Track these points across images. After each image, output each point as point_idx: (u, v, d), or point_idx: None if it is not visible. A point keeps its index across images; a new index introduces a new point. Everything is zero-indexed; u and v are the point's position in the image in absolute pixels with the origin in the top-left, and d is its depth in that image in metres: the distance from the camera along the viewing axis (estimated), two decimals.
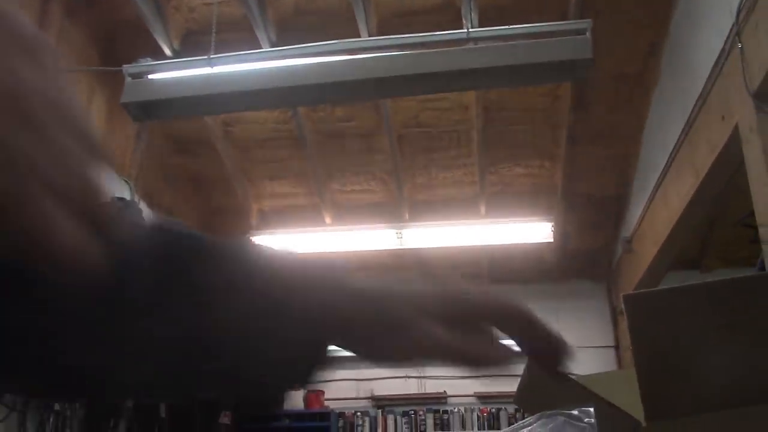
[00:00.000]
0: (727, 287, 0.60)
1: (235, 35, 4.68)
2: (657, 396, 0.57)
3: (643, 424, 0.60)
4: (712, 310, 0.55)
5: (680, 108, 4.20)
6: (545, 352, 0.47)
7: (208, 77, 3.75)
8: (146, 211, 5.53)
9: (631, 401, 0.64)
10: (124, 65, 3.78)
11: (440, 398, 7.51)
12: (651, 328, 0.55)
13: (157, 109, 3.81)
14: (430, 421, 7.47)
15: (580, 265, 7.23)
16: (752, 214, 3.21)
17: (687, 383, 0.56)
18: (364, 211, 6.58)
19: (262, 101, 3.91)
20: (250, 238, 0.45)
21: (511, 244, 6.43)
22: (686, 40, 4.15)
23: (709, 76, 3.62)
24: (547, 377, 0.49)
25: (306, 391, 7.28)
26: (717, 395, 0.57)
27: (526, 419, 0.85)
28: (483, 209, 6.41)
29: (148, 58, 3.92)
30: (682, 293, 0.55)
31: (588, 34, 3.48)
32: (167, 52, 4.85)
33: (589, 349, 7.02)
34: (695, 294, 0.55)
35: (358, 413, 7.54)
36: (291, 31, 4.70)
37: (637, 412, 0.61)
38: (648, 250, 5.39)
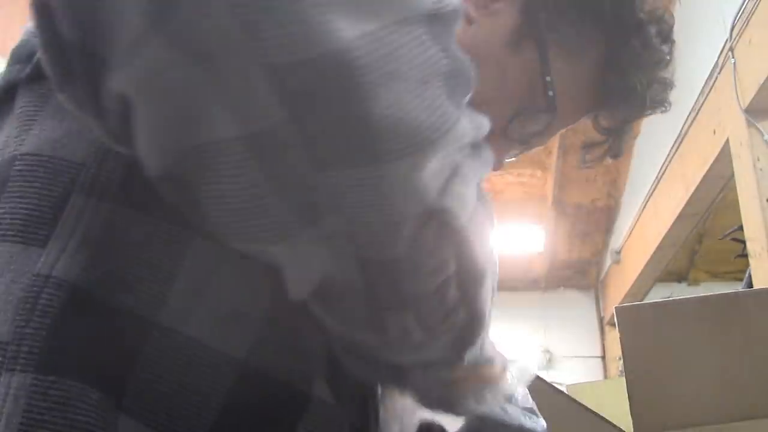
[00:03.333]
0: (718, 302, 0.61)
1: None
2: (646, 409, 0.57)
3: None
4: (702, 324, 0.55)
5: (672, 120, 4.22)
6: None
7: None
8: None
9: (618, 413, 0.64)
10: None
11: None
12: (642, 341, 0.56)
13: None
14: None
15: (568, 275, 7.24)
16: (740, 228, 3.23)
17: (676, 397, 0.56)
18: None
19: None
20: None
21: (500, 252, 6.43)
22: (680, 53, 4.15)
23: (702, 90, 3.64)
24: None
25: None
26: (705, 410, 0.57)
27: None
28: None
29: None
30: (674, 306, 0.55)
31: None
32: None
33: (576, 358, 7.03)
34: (686, 308, 0.55)
35: None
36: None
37: (626, 424, 0.61)
38: (637, 261, 5.41)
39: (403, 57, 0.36)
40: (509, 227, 6.36)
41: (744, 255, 3.13)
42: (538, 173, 6.04)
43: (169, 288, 0.43)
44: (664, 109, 0.73)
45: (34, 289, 0.42)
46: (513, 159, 0.75)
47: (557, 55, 0.66)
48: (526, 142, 0.72)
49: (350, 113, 0.35)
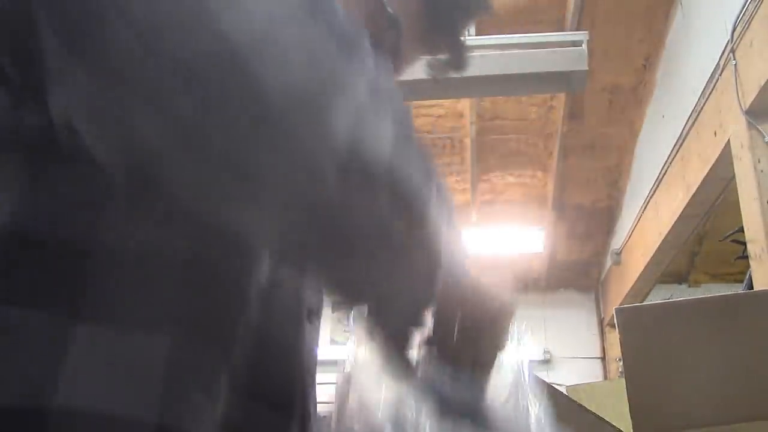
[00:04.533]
0: (718, 304, 0.61)
1: None
2: (646, 410, 0.57)
3: None
4: (702, 326, 0.55)
5: (673, 122, 4.23)
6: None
7: None
8: None
9: (618, 414, 0.64)
10: None
11: None
12: (642, 342, 0.55)
13: None
14: None
15: (568, 276, 7.24)
16: (741, 230, 3.23)
17: (676, 398, 0.56)
18: None
19: None
20: None
21: (501, 253, 6.44)
22: (681, 54, 4.17)
23: (703, 92, 3.64)
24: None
25: None
26: (705, 412, 0.57)
27: None
28: (474, 217, 6.42)
29: None
30: (674, 308, 0.55)
31: (584, 45, 3.49)
32: None
33: (576, 359, 7.03)
34: (686, 309, 0.55)
35: None
36: None
37: (625, 425, 0.61)
38: (637, 262, 5.41)
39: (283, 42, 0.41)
40: (510, 228, 6.36)
41: (744, 257, 3.13)
42: (539, 174, 6.04)
43: (100, 218, 0.48)
44: (488, 9, 0.80)
45: None
46: None
47: None
48: None
49: (246, 102, 0.40)
